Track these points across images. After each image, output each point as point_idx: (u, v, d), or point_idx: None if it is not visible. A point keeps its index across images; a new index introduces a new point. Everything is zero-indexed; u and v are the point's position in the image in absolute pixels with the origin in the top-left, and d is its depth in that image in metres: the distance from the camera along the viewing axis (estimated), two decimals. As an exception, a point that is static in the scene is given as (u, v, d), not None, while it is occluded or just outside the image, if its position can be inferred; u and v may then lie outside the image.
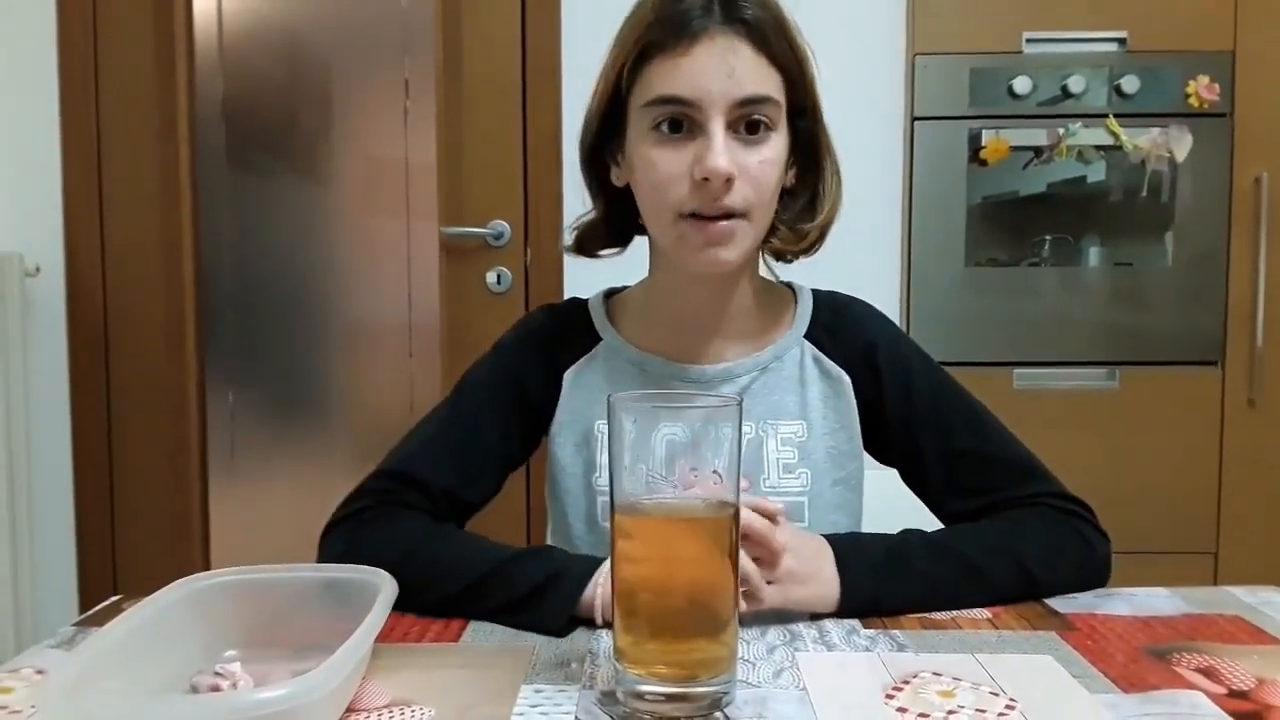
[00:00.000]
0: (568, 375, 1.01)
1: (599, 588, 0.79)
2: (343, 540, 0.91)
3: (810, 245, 0.97)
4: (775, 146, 0.89)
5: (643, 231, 1.00)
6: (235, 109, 2.22)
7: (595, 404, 0.99)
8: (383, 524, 0.91)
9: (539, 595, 0.80)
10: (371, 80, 2.20)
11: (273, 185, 2.23)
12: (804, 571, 0.81)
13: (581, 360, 1.01)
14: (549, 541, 1.06)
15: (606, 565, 0.77)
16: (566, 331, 1.03)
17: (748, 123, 0.87)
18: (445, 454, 0.97)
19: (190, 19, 2.19)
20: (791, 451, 0.98)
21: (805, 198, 0.97)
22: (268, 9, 2.20)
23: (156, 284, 2.21)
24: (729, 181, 0.86)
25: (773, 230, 0.96)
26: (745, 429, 0.96)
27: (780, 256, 1.01)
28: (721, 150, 0.85)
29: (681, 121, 0.87)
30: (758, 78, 0.87)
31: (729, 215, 0.88)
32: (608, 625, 0.75)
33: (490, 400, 1.01)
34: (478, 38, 2.20)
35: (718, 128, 0.86)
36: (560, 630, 0.78)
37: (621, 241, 1.03)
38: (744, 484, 0.94)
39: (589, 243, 1.03)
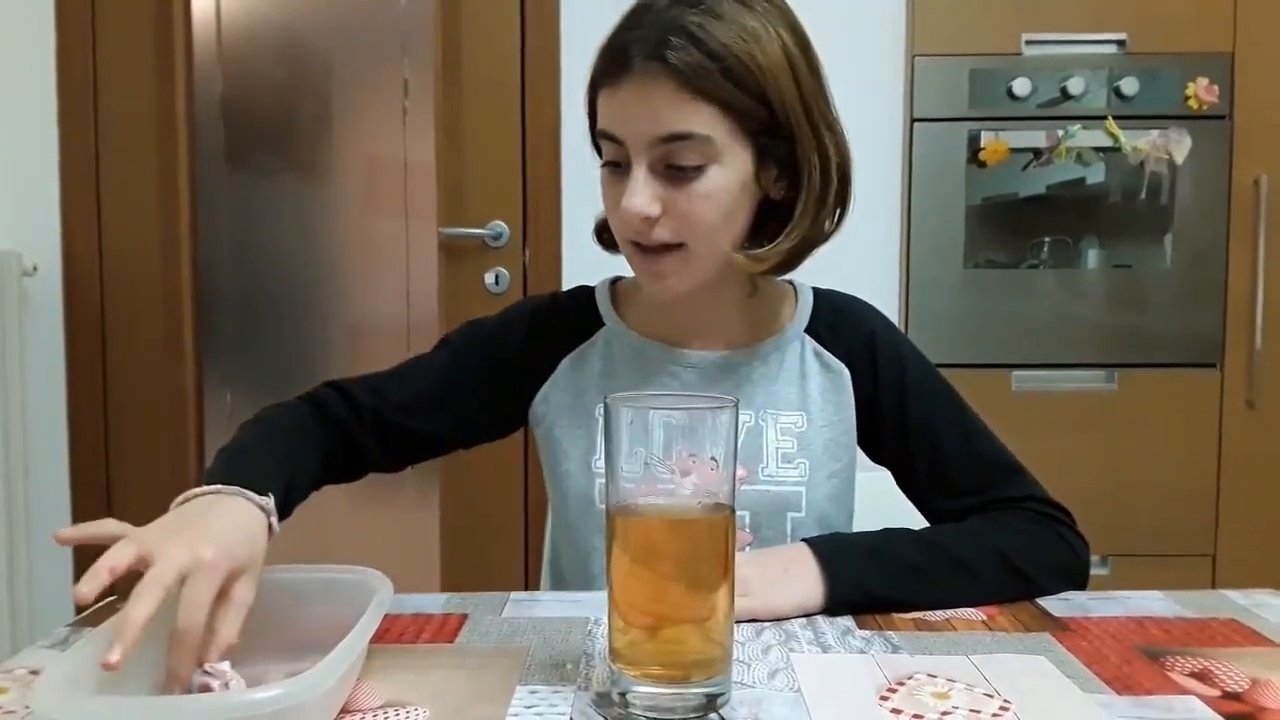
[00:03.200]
0: (567, 361, 1.03)
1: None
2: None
3: (772, 269, 0.94)
4: (713, 180, 0.88)
5: None
6: (234, 108, 2.22)
7: (595, 388, 1.01)
8: (270, 410, 0.95)
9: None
10: (370, 80, 2.21)
11: (271, 185, 2.23)
12: (769, 576, 0.82)
13: (583, 345, 1.03)
14: (550, 525, 1.08)
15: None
16: (568, 317, 1.04)
17: (675, 161, 0.87)
18: (393, 382, 1.00)
19: (189, 18, 2.19)
20: (790, 441, 0.98)
21: (779, 217, 0.93)
22: (266, 8, 2.21)
23: (154, 283, 2.21)
24: (651, 219, 0.88)
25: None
26: (744, 417, 0.98)
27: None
28: (638, 190, 0.87)
29: (616, 158, 0.90)
30: (678, 116, 0.85)
31: (665, 245, 0.90)
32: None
33: (462, 350, 1.03)
34: (477, 38, 2.20)
35: (638, 166, 0.87)
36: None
37: None
38: (741, 472, 0.95)
39: (608, 235, 1.03)
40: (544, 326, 1.04)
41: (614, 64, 0.88)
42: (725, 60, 0.85)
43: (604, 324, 1.04)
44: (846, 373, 1.01)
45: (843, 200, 0.95)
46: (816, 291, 1.06)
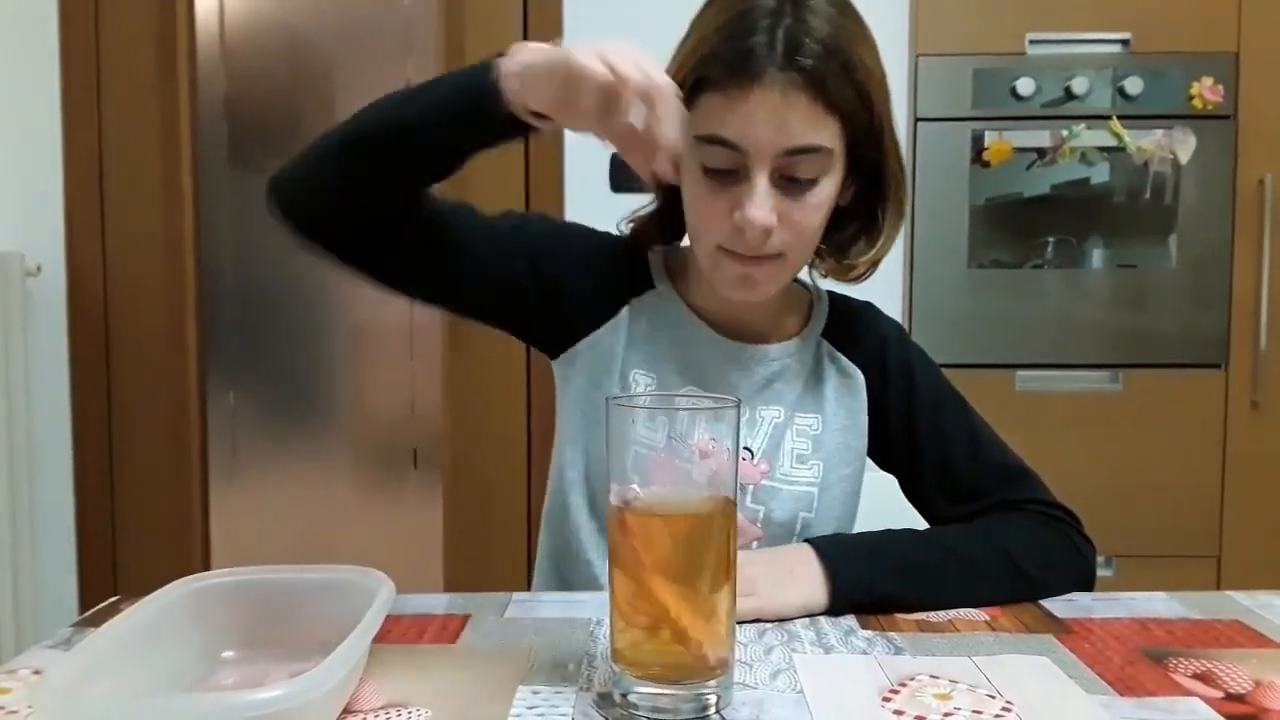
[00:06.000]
0: (628, 308, 1.00)
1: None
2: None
3: (856, 277, 0.97)
4: (823, 191, 0.87)
5: None
6: (237, 108, 2.23)
7: (639, 350, 0.99)
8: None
9: (461, 85, 0.84)
10: (373, 79, 2.20)
11: (275, 185, 2.23)
12: (775, 576, 0.82)
13: (638, 299, 1.00)
14: (558, 450, 1.02)
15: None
16: (629, 268, 1.02)
17: (794, 173, 0.85)
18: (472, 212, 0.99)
19: (192, 18, 2.19)
20: (806, 443, 0.99)
21: (858, 224, 0.95)
22: (270, 8, 2.21)
23: (158, 283, 2.21)
24: (769, 230, 0.86)
25: (818, 253, 0.97)
26: (775, 412, 0.99)
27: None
28: (761, 202, 0.84)
29: (727, 165, 0.86)
30: (810, 128, 0.84)
31: (765, 255, 0.88)
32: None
33: (539, 230, 1.00)
34: (478, 38, 2.19)
35: (761, 178, 0.84)
36: (493, 113, 0.83)
37: (676, 236, 1.02)
38: (764, 467, 0.95)
39: (643, 235, 1.02)
40: (614, 269, 1.01)
41: (740, 69, 0.83)
42: (855, 72, 0.84)
43: (653, 286, 1.01)
44: (861, 378, 1.01)
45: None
46: (832, 296, 1.06)
